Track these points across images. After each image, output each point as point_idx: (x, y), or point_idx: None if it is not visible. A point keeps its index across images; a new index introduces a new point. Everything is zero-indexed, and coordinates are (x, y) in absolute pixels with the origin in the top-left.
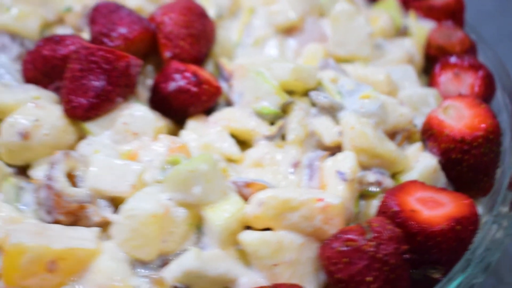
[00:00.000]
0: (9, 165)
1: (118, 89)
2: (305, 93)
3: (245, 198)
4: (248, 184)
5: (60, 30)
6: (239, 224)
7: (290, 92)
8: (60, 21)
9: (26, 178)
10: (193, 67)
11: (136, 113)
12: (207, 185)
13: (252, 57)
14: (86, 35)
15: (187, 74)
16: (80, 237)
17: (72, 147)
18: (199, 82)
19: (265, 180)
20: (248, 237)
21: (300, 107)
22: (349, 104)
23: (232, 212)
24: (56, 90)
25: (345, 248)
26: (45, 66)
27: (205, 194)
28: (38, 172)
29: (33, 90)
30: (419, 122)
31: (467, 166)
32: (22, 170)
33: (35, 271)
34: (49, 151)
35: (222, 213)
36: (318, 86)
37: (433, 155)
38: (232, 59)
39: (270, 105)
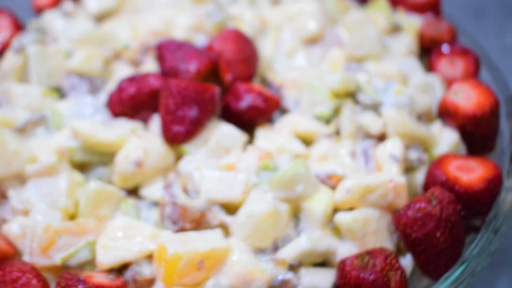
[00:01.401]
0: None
1: (207, 114)
2: (348, 95)
3: (329, 187)
4: (329, 176)
5: (118, 65)
6: (331, 208)
7: (336, 95)
8: (116, 56)
9: (135, 198)
10: (256, 87)
11: (225, 132)
12: (306, 183)
13: (290, 69)
14: (146, 67)
15: (255, 93)
16: (213, 239)
17: (172, 167)
18: (265, 99)
19: (337, 170)
20: (343, 218)
21: (348, 107)
22: (386, 99)
23: (327, 200)
24: (142, 119)
25: (418, 214)
26: (133, 102)
27: (305, 190)
28: (151, 192)
29: (127, 124)
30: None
31: (479, 135)
32: (129, 192)
33: (188, 272)
34: (156, 173)
35: (320, 202)
36: (357, 88)
37: (453, 130)
38: (272, 72)
39: (326, 109)
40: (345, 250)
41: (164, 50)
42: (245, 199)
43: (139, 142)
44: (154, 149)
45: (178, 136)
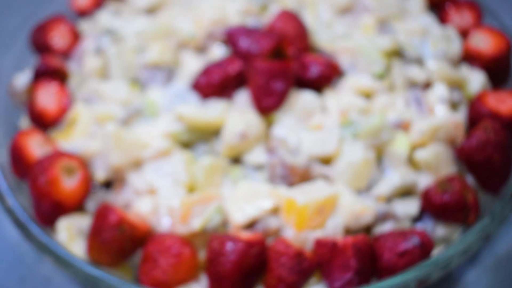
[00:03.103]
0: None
1: (290, 86)
2: (394, 53)
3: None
4: (402, 123)
5: (185, 53)
6: (410, 148)
7: (386, 55)
8: (181, 45)
9: (238, 165)
10: (319, 57)
11: (307, 98)
12: (387, 130)
13: (333, 37)
14: (214, 52)
15: (320, 63)
16: (323, 187)
17: (265, 133)
18: (329, 66)
19: (402, 117)
20: (421, 154)
21: (396, 64)
22: (426, 53)
23: (407, 142)
24: (227, 95)
25: (479, 143)
26: (221, 83)
27: (387, 137)
28: (254, 158)
29: (218, 103)
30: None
31: (500, 71)
32: (232, 161)
33: (313, 217)
34: (255, 141)
35: (401, 145)
36: (400, 47)
37: (479, 70)
38: (321, 42)
39: (380, 67)
40: (424, 180)
41: (235, 36)
42: (339, 151)
43: (240, 116)
44: (252, 121)
45: (269, 107)
